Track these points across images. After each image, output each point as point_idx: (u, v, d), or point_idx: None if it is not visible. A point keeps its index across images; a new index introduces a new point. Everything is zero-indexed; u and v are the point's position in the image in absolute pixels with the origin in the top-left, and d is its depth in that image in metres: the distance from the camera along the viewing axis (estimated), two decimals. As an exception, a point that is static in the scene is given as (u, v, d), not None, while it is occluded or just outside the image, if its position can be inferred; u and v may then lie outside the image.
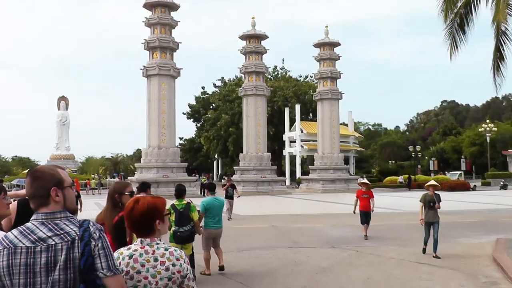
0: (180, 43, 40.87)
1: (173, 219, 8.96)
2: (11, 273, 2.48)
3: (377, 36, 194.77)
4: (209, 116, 72.47)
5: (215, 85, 78.89)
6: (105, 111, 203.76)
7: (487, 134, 65.39)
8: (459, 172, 63.57)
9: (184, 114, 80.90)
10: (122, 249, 3.15)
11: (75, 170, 73.59)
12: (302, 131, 64.50)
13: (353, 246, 14.06)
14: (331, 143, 48.57)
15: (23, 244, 2.50)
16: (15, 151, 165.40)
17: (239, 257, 12.78)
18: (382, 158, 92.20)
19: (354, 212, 16.24)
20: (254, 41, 46.22)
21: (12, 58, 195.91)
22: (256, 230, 18.17)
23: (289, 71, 78.08)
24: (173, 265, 3.02)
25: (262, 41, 46.77)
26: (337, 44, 49.78)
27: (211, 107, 76.26)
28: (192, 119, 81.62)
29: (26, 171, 74.53)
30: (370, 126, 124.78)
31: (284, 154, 66.15)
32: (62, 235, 2.52)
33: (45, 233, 2.52)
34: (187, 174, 42.43)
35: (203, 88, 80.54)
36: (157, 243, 3.10)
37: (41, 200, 2.61)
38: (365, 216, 15.75)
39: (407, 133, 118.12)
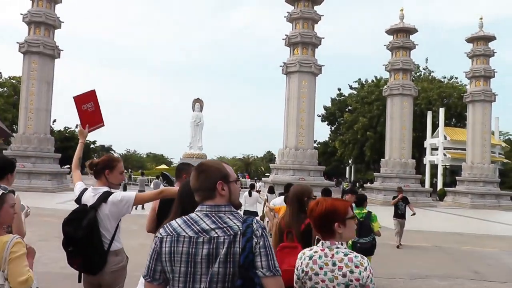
0: (323, 38, 38.34)
1: None
2: (173, 260, 2.51)
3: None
4: (346, 118, 69.18)
5: (351, 87, 75.24)
6: (237, 113, 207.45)
7: None
8: None
9: (319, 116, 77.85)
10: (305, 250, 3.19)
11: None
12: (445, 138, 59.39)
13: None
14: (482, 151, 43.36)
15: (186, 233, 2.53)
16: (150, 148, 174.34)
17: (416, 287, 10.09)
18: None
19: None
20: (402, 35, 42.38)
21: (150, 61, 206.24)
22: (420, 251, 15.28)
23: (432, 71, 72.44)
24: (351, 272, 2.92)
25: (410, 36, 42.91)
26: (492, 38, 44.11)
27: (347, 109, 72.98)
28: (326, 122, 78.44)
29: (160, 166, 77.40)
30: (510, 136, 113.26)
31: (424, 163, 61.17)
32: (224, 229, 2.51)
33: (208, 225, 2.53)
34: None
35: (339, 89, 77.36)
36: (337, 247, 3.03)
37: (206, 193, 2.63)
38: None
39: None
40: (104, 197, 4.47)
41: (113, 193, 4.55)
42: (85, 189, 4.75)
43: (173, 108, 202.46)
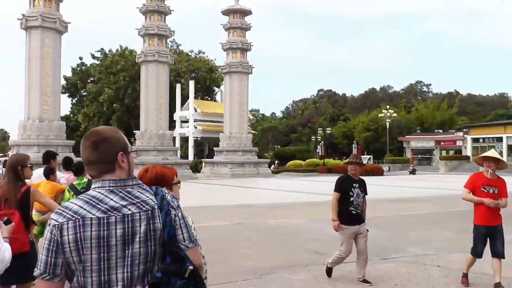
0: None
1: None
2: (80, 247, 2.04)
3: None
4: (89, 89, 63.67)
5: (93, 56, 69.58)
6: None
7: (387, 120, 64.18)
8: (368, 156, 62.86)
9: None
10: None
11: None
12: (196, 110, 58.71)
13: (411, 257, 9.05)
14: (239, 122, 43.22)
15: (93, 214, 2.07)
16: None
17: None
18: (263, 143, 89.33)
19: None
20: (155, -1, 39.17)
21: None
22: (227, 231, 12.34)
23: (180, 44, 71.32)
24: None
25: (164, 1, 39.92)
26: (248, 13, 44.58)
27: (89, 80, 67.48)
28: (67, 94, 70.97)
29: None
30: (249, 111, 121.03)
31: (174, 136, 59.57)
32: (139, 204, 2.12)
33: (117, 202, 2.10)
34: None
35: (80, 58, 70.90)
36: None
37: (106, 166, 2.17)
38: (492, 236, 6.73)
39: (285, 119, 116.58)
40: None
41: None
42: None
43: None
